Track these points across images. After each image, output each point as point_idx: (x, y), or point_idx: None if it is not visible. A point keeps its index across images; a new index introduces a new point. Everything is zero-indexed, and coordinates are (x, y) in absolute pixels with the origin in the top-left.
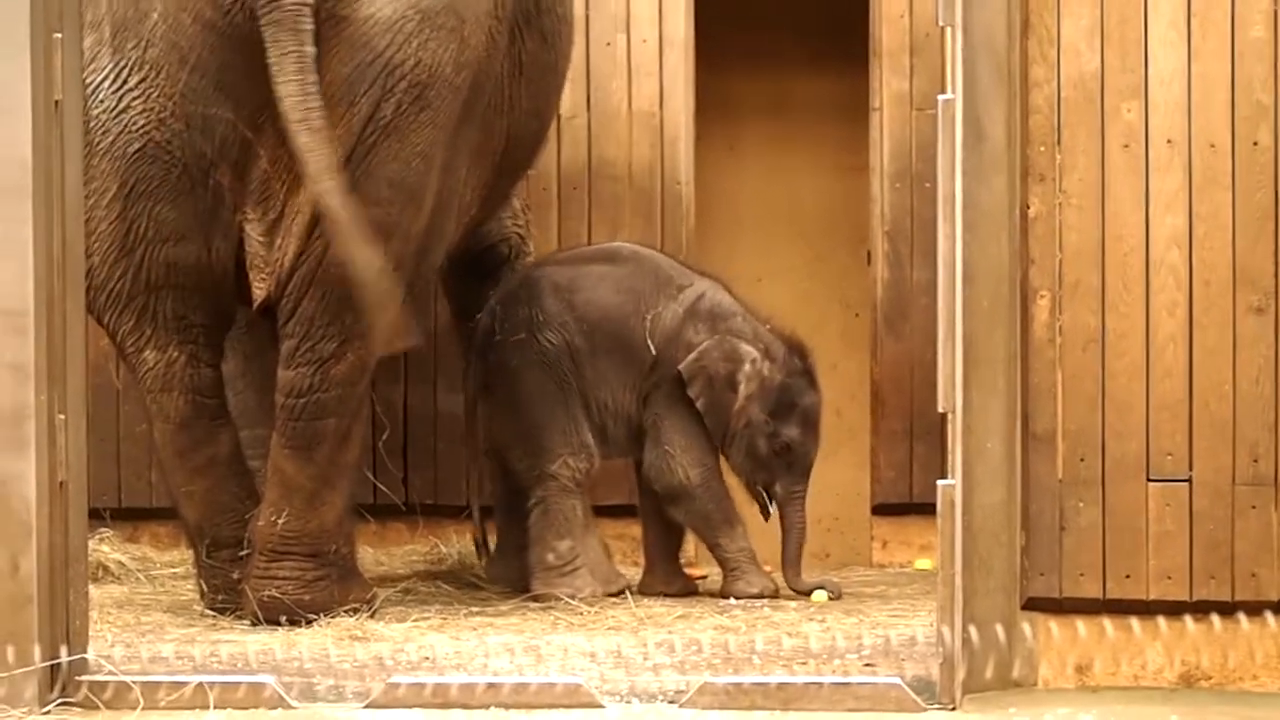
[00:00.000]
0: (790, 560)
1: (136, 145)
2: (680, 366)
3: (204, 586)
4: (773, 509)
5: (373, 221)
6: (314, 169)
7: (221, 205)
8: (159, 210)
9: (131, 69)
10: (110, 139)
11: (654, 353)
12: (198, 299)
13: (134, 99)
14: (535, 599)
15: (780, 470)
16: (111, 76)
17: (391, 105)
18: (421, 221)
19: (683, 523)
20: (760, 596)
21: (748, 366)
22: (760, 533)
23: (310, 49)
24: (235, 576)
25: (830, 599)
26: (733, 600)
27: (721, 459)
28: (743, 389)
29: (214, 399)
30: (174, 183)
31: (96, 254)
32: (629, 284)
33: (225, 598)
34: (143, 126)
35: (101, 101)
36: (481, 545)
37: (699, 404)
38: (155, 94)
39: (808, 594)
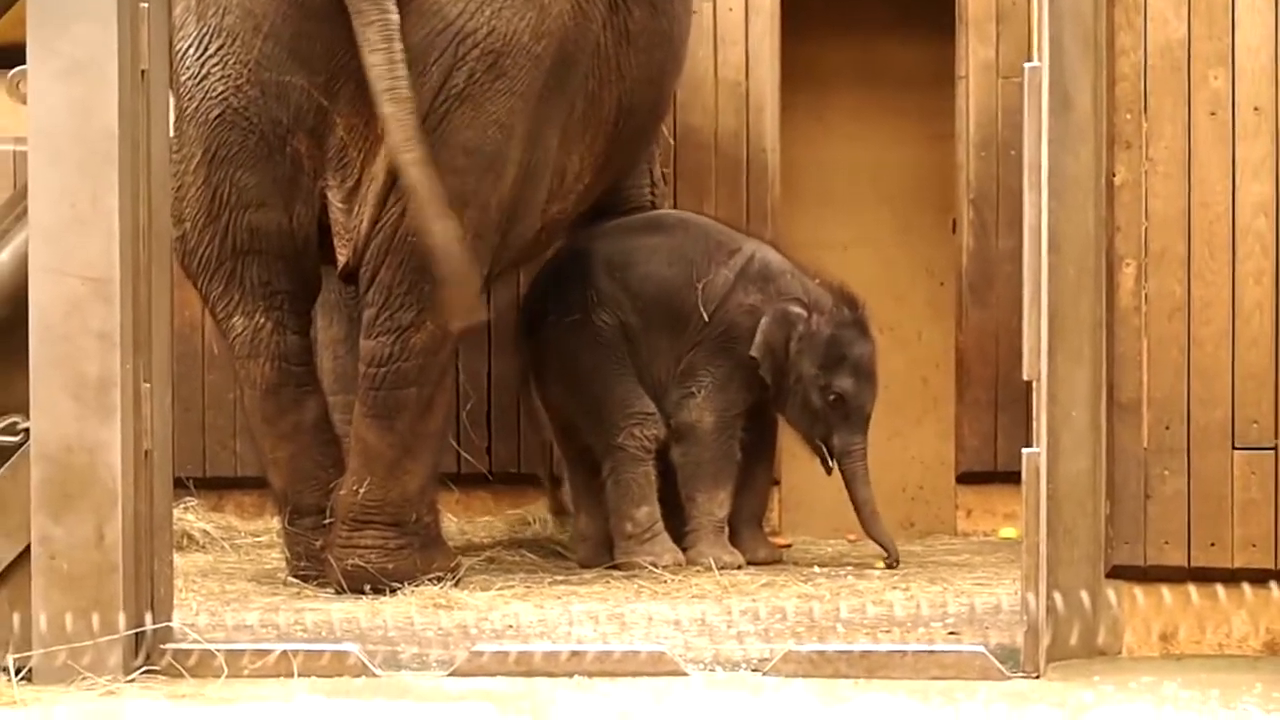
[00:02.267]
0: (861, 509)
1: (216, 111)
2: (752, 351)
3: (288, 554)
4: (833, 464)
5: (449, 190)
6: (398, 138)
7: (301, 172)
8: (240, 176)
9: (211, 36)
10: (195, 104)
11: (707, 320)
12: (281, 265)
13: (214, 65)
14: (617, 568)
15: (837, 422)
16: (196, 44)
17: (464, 73)
18: (502, 191)
19: (676, 463)
20: (708, 568)
21: (800, 327)
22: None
23: (394, 16)
24: (318, 544)
25: (887, 567)
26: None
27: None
28: (793, 347)
29: (300, 366)
30: (253, 149)
31: (188, 219)
32: (680, 253)
33: (308, 565)
34: (221, 93)
35: (188, 68)
36: (560, 509)
37: (768, 380)
38: (232, 60)
39: (880, 542)
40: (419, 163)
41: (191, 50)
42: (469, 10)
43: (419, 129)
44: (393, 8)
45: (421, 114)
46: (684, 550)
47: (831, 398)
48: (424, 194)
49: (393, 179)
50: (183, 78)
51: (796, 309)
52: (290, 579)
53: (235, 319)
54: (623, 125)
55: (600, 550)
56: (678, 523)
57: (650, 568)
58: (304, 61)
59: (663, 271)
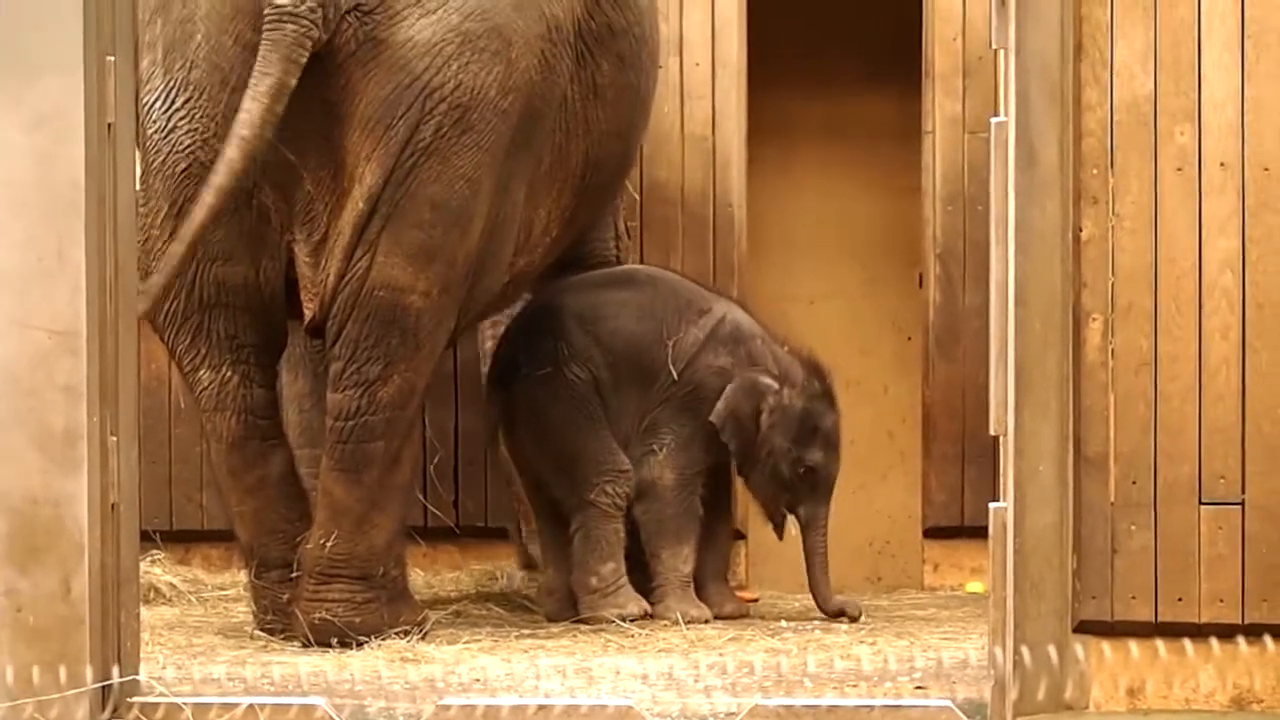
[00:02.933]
0: (818, 584)
1: (183, 165)
2: (711, 417)
3: (254, 607)
4: (793, 529)
5: (415, 244)
6: (214, 182)
7: (267, 226)
8: (207, 230)
9: (178, 89)
10: (161, 158)
11: (675, 378)
12: (248, 319)
13: (180, 119)
14: (584, 622)
15: (804, 493)
16: (162, 97)
17: (430, 128)
18: (468, 245)
19: (638, 520)
20: (674, 622)
21: (770, 400)
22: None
23: (292, 82)
24: (284, 598)
25: (851, 620)
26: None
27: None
28: (764, 419)
29: (266, 419)
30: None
31: (155, 272)
32: (650, 309)
33: (274, 618)
34: (188, 146)
35: (154, 122)
36: (527, 562)
37: (731, 447)
38: (199, 114)
39: (838, 615)
40: (210, 209)
41: (158, 104)
42: (435, 65)
43: (233, 184)
44: (296, 75)
45: (388, 168)
46: (651, 605)
47: (803, 470)
48: (189, 231)
49: (359, 232)
50: (149, 131)
51: (766, 380)
52: (257, 632)
53: (202, 372)
54: (589, 179)
55: (567, 604)
56: (642, 579)
57: (617, 621)
58: None
59: (632, 327)
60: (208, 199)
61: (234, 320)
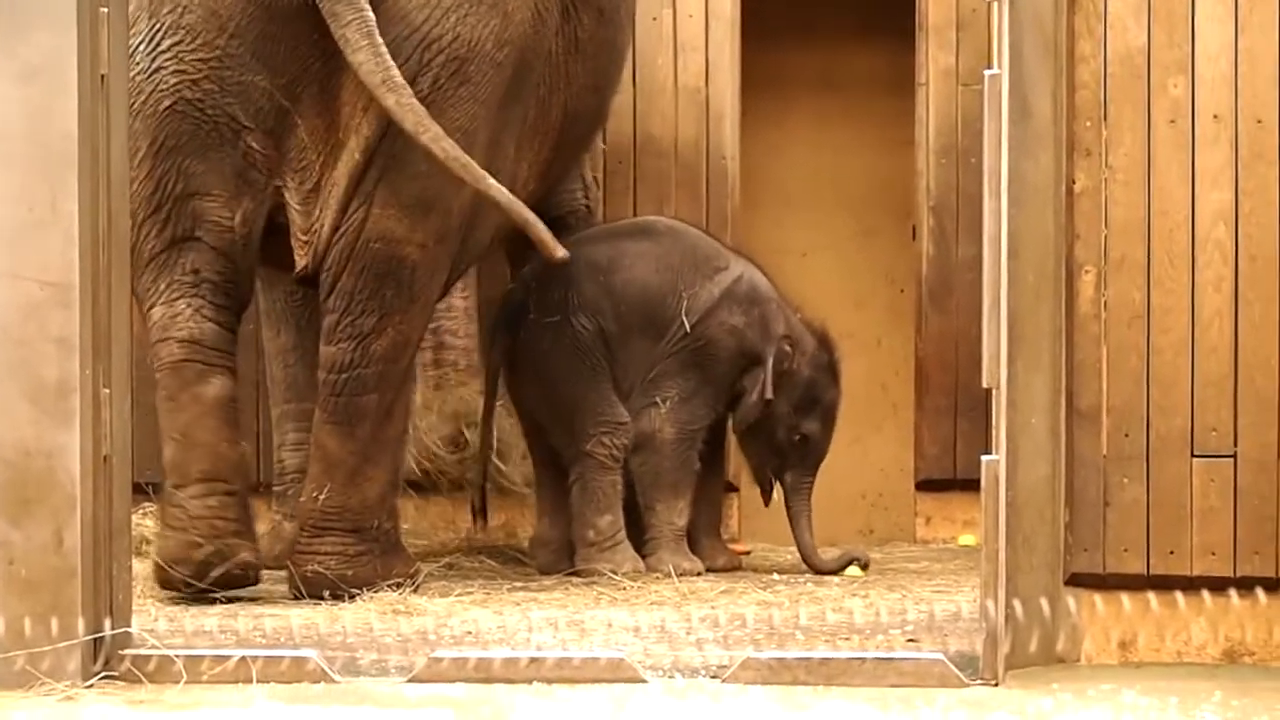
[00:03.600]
0: (806, 546)
1: (167, 103)
2: (766, 394)
3: (161, 531)
4: (777, 494)
5: (413, 194)
6: (411, 123)
7: (252, 168)
8: (187, 164)
9: (166, 32)
10: (144, 97)
11: (688, 329)
12: (214, 257)
13: (166, 60)
14: (577, 574)
15: (794, 460)
16: (147, 39)
17: (429, 79)
18: (464, 197)
19: (635, 472)
20: (667, 575)
21: (784, 364)
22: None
23: (370, 14)
24: (194, 513)
25: (862, 569)
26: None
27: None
28: (768, 383)
29: (213, 349)
30: (203, 139)
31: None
32: (667, 261)
33: (179, 540)
34: (174, 85)
35: (137, 64)
36: (478, 512)
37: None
38: (189, 57)
39: (839, 571)
40: (440, 138)
41: (142, 46)
42: (434, 17)
43: (423, 109)
44: (367, 6)
45: (385, 120)
46: (644, 558)
47: (797, 438)
48: (463, 164)
49: (355, 184)
50: (132, 74)
51: (787, 348)
52: (151, 564)
53: (155, 309)
54: (567, 132)
55: (561, 557)
56: (637, 530)
57: (610, 575)
58: (267, 62)
59: (647, 277)
60: (431, 137)
61: (200, 255)
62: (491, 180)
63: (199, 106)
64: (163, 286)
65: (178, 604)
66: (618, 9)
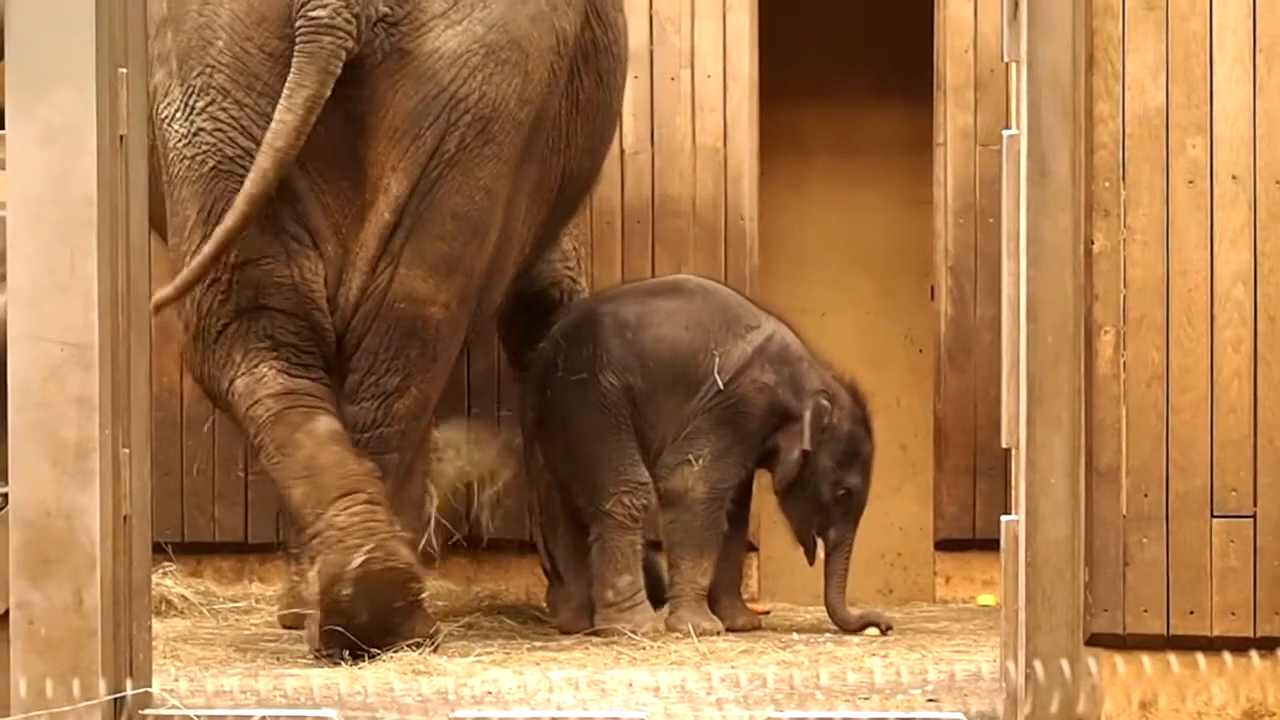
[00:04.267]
0: (837, 606)
1: (211, 163)
2: (805, 445)
3: (313, 559)
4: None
5: (437, 255)
6: (248, 190)
7: (303, 227)
8: (236, 236)
9: (198, 94)
10: (186, 164)
11: (721, 387)
12: (288, 319)
13: (203, 121)
14: (597, 634)
15: (837, 517)
16: (181, 105)
17: (455, 138)
18: (485, 257)
19: (664, 529)
20: (686, 634)
21: (825, 419)
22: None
23: (326, 94)
24: (342, 525)
25: (882, 632)
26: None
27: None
28: (807, 435)
29: (308, 395)
30: None
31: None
32: (698, 319)
33: (330, 553)
34: (213, 144)
35: (176, 131)
36: (550, 573)
37: (780, 444)
38: (223, 116)
39: (859, 630)
40: (241, 216)
41: (178, 113)
42: (461, 76)
43: (265, 194)
44: (331, 86)
45: (414, 178)
46: (668, 615)
47: (841, 493)
48: (220, 236)
49: (384, 244)
50: (171, 141)
51: (825, 402)
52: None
53: (237, 383)
54: (563, 194)
55: (581, 615)
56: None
57: (629, 633)
58: None
59: (678, 335)
60: (240, 206)
61: (271, 323)
62: (222, 231)
63: (241, 164)
64: (238, 358)
65: (197, 664)
66: (614, 72)
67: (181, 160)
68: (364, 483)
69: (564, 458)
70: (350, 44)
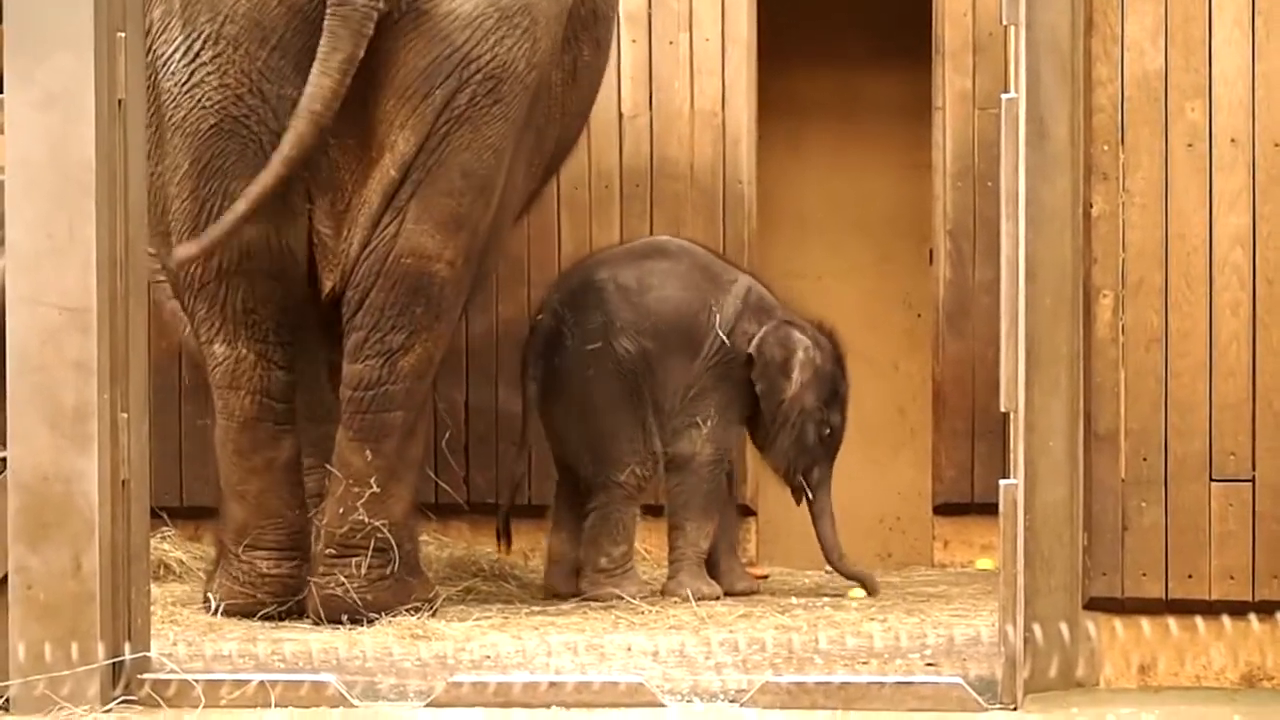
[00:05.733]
0: (831, 544)
1: (211, 121)
2: (753, 376)
3: (229, 581)
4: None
5: (446, 211)
6: (284, 151)
7: (293, 191)
8: (233, 187)
9: (205, 43)
10: (183, 114)
11: (726, 342)
12: (268, 289)
13: (208, 74)
14: (591, 600)
15: (820, 456)
16: (183, 50)
17: (466, 96)
18: (489, 216)
19: (669, 492)
20: (685, 599)
21: (801, 354)
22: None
23: (360, 54)
24: (264, 571)
25: (869, 593)
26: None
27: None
28: (796, 376)
29: (282, 403)
30: (249, 159)
31: (173, 233)
32: (690, 279)
33: (250, 595)
34: (218, 102)
35: (173, 74)
36: (502, 535)
37: (759, 387)
38: (232, 70)
39: (853, 579)
40: (277, 176)
41: (178, 56)
42: (475, 38)
43: (300, 157)
44: (364, 47)
45: (423, 134)
46: (667, 579)
47: (827, 432)
48: (255, 192)
49: (388, 200)
50: (166, 84)
51: (798, 334)
52: (217, 614)
53: (216, 345)
54: (552, 163)
55: (570, 577)
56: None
57: (627, 598)
58: (305, 79)
59: (680, 294)
60: (276, 168)
61: (252, 291)
62: (255, 189)
63: (245, 124)
64: (218, 324)
65: (195, 629)
66: (608, 41)
67: (177, 107)
68: (298, 539)
69: (575, 428)
70: (381, 4)
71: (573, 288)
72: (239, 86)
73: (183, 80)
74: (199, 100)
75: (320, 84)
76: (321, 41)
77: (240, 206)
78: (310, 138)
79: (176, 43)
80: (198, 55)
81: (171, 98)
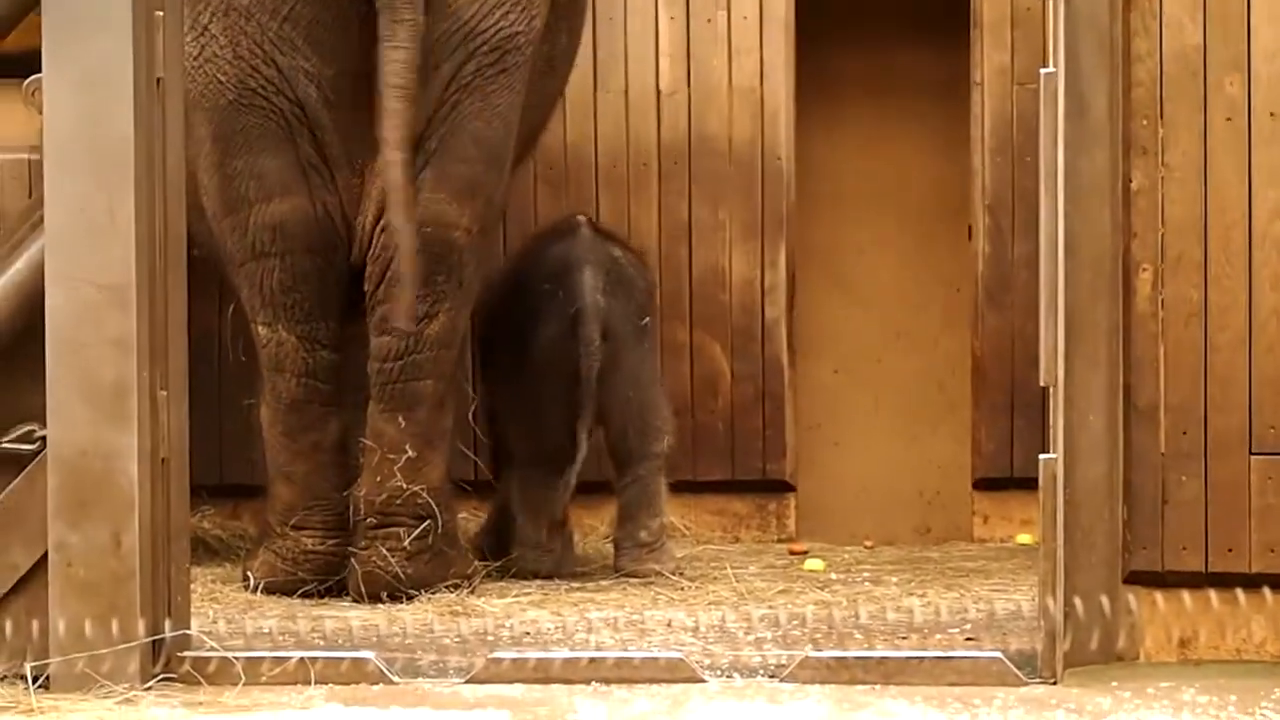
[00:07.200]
0: None
1: (230, 96)
2: None
3: (274, 559)
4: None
5: (460, 179)
6: (392, 136)
7: (313, 163)
8: (259, 163)
9: (214, 15)
10: (199, 89)
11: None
12: (306, 266)
13: (219, 47)
14: (631, 575)
15: None
16: (191, 22)
17: (473, 66)
18: (501, 187)
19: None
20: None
21: None
22: None
23: (423, 20)
24: (309, 548)
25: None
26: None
27: None
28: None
29: (328, 384)
30: (272, 132)
31: (208, 211)
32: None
33: (296, 573)
34: (235, 76)
35: (185, 49)
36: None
37: None
38: (244, 41)
39: None
40: (404, 165)
41: (188, 31)
42: (480, 12)
43: (414, 134)
44: (423, 12)
45: (434, 105)
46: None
47: None
48: (401, 196)
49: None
50: None
51: None
52: (261, 589)
53: (260, 327)
54: (520, 150)
55: (568, 557)
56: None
57: (667, 575)
58: (318, 49)
59: (648, 265)
60: (397, 159)
61: (290, 269)
62: (411, 226)
63: (263, 95)
64: (258, 305)
65: (234, 606)
66: (580, 30)
67: (192, 83)
68: (344, 519)
69: (629, 403)
70: None
71: (605, 266)
72: (252, 58)
73: (194, 54)
74: (213, 75)
75: (395, 57)
76: (382, 17)
77: (398, 219)
78: (407, 112)
79: (186, 17)
80: (206, 28)
81: (186, 74)
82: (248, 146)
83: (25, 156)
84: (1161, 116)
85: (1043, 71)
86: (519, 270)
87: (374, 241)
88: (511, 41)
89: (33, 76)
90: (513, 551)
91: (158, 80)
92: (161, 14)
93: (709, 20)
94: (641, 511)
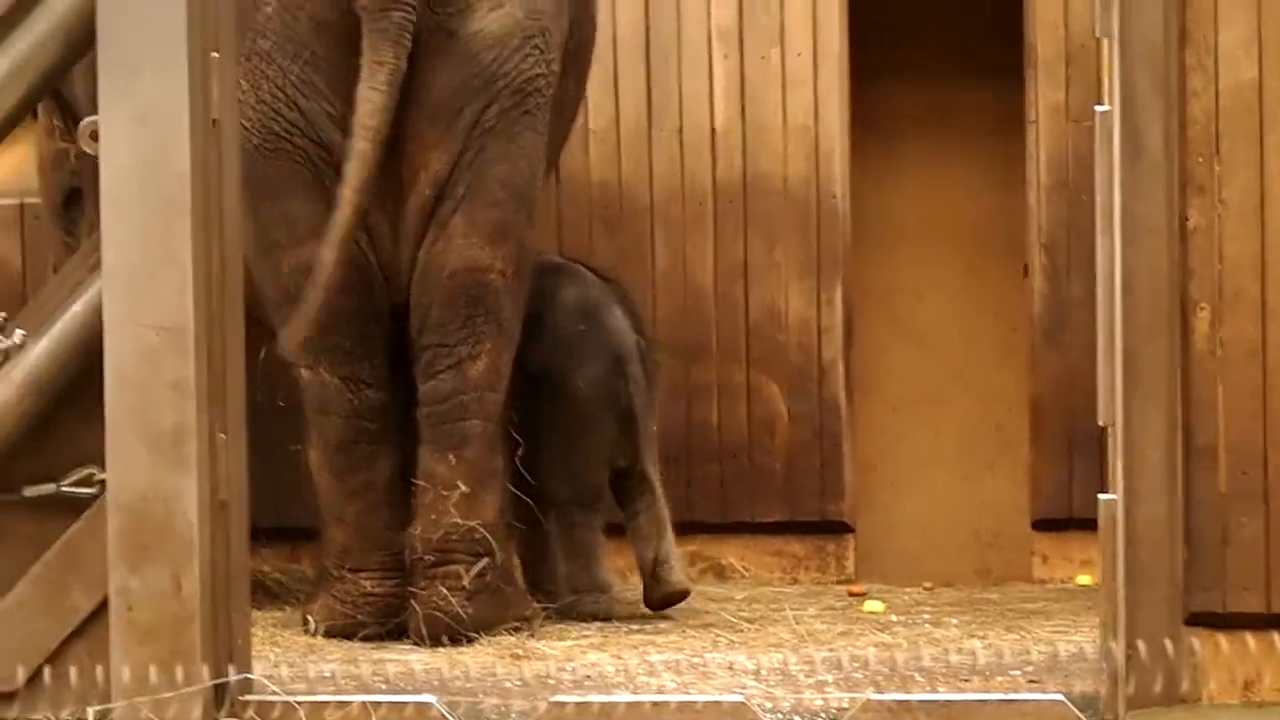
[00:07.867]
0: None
1: (255, 140)
2: None
3: (332, 601)
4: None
5: (491, 222)
6: (352, 177)
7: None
8: (288, 207)
9: (239, 59)
10: None
11: None
12: (343, 305)
13: (242, 93)
14: (674, 593)
15: None
16: None
17: (495, 110)
18: (531, 229)
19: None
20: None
21: None
22: None
23: (404, 66)
24: (368, 590)
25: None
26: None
27: None
28: None
29: (376, 423)
30: (299, 176)
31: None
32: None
33: (346, 615)
34: (259, 120)
35: None
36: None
37: None
38: (266, 85)
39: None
40: (354, 207)
41: None
42: (502, 56)
43: (370, 182)
44: (405, 58)
45: (457, 151)
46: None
47: None
48: (338, 235)
49: (427, 220)
50: None
51: None
52: (321, 632)
53: (302, 370)
54: None
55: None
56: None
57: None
58: (338, 92)
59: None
60: (350, 196)
61: (327, 311)
62: (335, 256)
63: (288, 138)
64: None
65: (295, 650)
66: (586, 74)
67: None
68: (400, 559)
69: (652, 438)
70: (414, 17)
71: (627, 304)
72: (275, 101)
73: None
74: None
75: (371, 99)
76: (363, 58)
77: (326, 255)
78: (372, 154)
79: None
80: None
81: None
82: (275, 191)
83: (16, 201)
84: (1218, 153)
85: (1098, 109)
86: (531, 315)
87: (410, 289)
88: (533, 84)
89: (89, 118)
90: (563, 595)
91: (213, 121)
92: (217, 55)
93: (763, 58)
94: (660, 536)
